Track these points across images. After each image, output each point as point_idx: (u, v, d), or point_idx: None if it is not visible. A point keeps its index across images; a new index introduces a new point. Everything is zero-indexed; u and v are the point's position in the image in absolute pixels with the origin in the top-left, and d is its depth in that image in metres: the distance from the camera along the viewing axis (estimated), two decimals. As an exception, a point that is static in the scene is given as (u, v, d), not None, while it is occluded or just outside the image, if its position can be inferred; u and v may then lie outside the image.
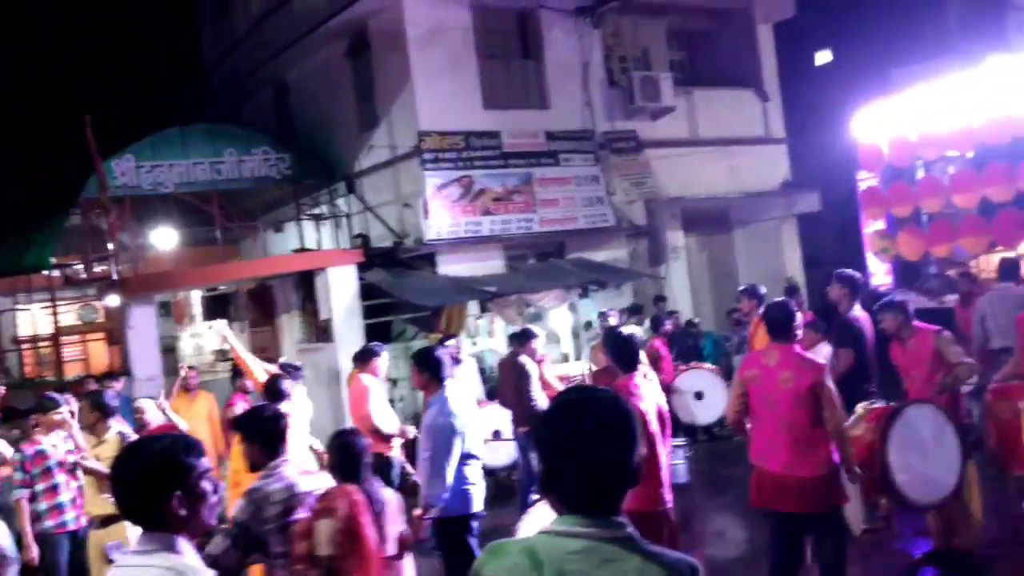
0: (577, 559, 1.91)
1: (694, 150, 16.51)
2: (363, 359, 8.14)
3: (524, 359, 8.57)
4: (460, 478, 5.68)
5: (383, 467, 7.26)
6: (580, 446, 1.98)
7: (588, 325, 14.00)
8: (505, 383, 8.91)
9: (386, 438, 7.63)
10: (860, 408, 6.14)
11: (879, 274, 11.98)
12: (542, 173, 14.99)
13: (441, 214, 14.02)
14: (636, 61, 17.01)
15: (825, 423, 5.01)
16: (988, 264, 10.93)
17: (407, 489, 7.74)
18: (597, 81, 15.86)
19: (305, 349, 14.29)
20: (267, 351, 15.45)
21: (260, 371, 7.46)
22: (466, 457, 5.75)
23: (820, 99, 20.05)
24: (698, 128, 16.89)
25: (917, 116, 10.79)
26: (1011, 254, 10.27)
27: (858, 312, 7.39)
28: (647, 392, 5.00)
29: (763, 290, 8.66)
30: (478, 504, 5.85)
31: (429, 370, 5.83)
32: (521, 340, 8.91)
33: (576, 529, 1.95)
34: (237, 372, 9.11)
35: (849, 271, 7.62)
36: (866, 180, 11.95)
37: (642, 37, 17.15)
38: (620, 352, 5.19)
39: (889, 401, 6.20)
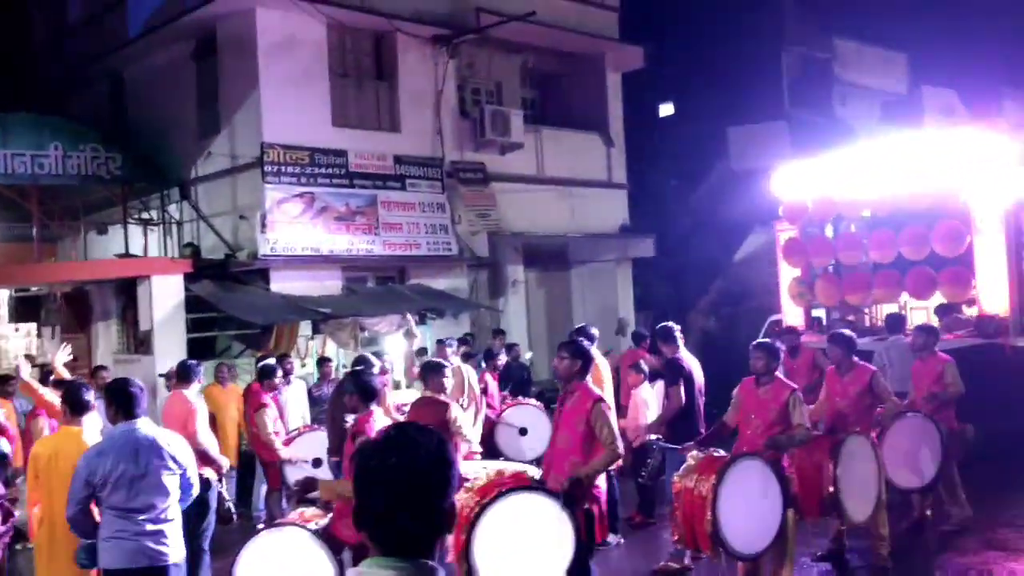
0: None
1: (539, 187, 16.81)
2: (183, 376, 7.73)
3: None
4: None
5: (202, 489, 6.87)
6: (391, 486, 1.89)
7: (423, 352, 13.87)
8: (333, 409, 8.67)
9: (210, 460, 7.24)
10: (690, 458, 6.27)
11: (794, 317, 12.56)
12: (387, 196, 14.84)
13: (279, 229, 13.61)
14: (489, 94, 17.21)
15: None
16: (879, 313, 11.88)
17: (224, 517, 7.40)
18: (449, 110, 15.90)
19: (121, 360, 13.49)
20: (78, 360, 14.50)
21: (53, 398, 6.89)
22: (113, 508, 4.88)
23: (661, 149, 20.90)
24: (544, 166, 17.21)
25: (838, 177, 11.61)
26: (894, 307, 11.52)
27: (684, 354, 7.87)
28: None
29: (594, 331, 8.83)
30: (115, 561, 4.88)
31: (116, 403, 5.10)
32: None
33: (382, 572, 1.86)
34: (44, 379, 8.47)
35: (669, 324, 8.28)
36: (785, 231, 12.70)
37: (496, 72, 17.37)
38: (360, 387, 5.27)
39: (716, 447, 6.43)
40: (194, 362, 8.02)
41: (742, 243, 20.94)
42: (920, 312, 11.68)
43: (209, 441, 7.36)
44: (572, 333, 8.45)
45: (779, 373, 6.55)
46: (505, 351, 12.48)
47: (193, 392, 7.61)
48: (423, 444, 1.95)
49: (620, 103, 18.68)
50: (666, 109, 24.56)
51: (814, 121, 21.96)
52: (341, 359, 13.27)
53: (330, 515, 5.19)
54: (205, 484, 7.06)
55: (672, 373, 8.03)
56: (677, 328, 8.31)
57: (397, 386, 13.59)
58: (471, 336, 13.86)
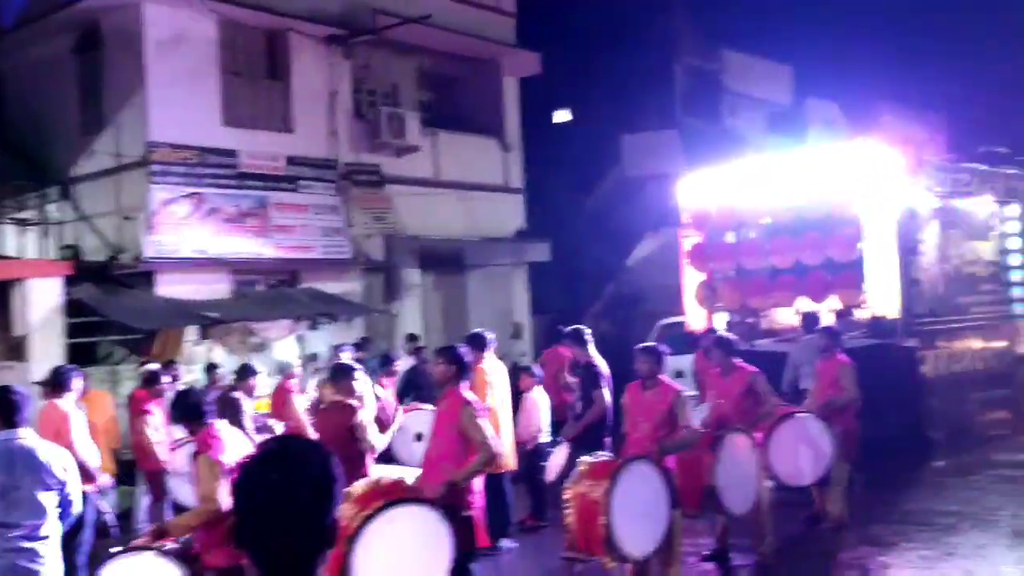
0: None
1: (435, 191, 16.76)
2: (57, 384, 7.35)
3: (239, 395, 8.16)
4: None
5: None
6: (273, 503, 1.84)
7: (313, 357, 13.63)
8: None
9: (86, 472, 6.90)
10: (581, 463, 6.32)
11: (699, 320, 12.90)
12: (279, 198, 14.55)
13: (165, 231, 13.18)
14: (385, 96, 17.06)
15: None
16: (779, 316, 12.39)
17: (101, 530, 7.15)
18: (344, 111, 15.71)
19: (-6, 366, 12.81)
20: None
21: None
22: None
23: (557, 155, 21.11)
24: (441, 170, 17.16)
25: (740, 187, 12.11)
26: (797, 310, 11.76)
27: (597, 357, 8.17)
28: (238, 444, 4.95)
29: (490, 335, 8.84)
30: None
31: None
32: (241, 376, 8.57)
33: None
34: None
35: (580, 327, 8.46)
36: (689, 238, 13.08)
37: (393, 74, 17.25)
38: (180, 408, 5.19)
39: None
40: (70, 368, 7.66)
41: (635, 248, 21.35)
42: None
43: (86, 452, 7.03)
44: (467, 338, 8.44)
45: (664, 376, 6.61)
46: (415, 356, 12.34)
47: (68, 400, 7.24)
48: (306, 459, 1.91)
49: (517, 108, 18.80)
50: (562, 115, 24.83)
51: (704, 130, 22.57)
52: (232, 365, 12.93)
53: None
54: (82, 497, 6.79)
55: (592, 377, 8.03)
56: (588, 331, 8.38)
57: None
58: (367, 340, 13.69)
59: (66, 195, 14.72)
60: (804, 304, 11.55)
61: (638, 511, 6.02)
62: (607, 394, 7.99)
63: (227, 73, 14.43)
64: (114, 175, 13.94)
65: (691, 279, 13.03)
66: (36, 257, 14.24)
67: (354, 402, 6.48)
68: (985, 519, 8.23)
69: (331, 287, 14.78)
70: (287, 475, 1.87)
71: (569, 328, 8.58)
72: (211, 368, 11.44)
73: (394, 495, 5.19)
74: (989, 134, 17.89)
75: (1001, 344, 12.41)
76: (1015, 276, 12.66)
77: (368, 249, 15.76)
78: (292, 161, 14.82)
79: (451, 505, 5.29)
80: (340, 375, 6.67)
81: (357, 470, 6.02)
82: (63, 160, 14.77)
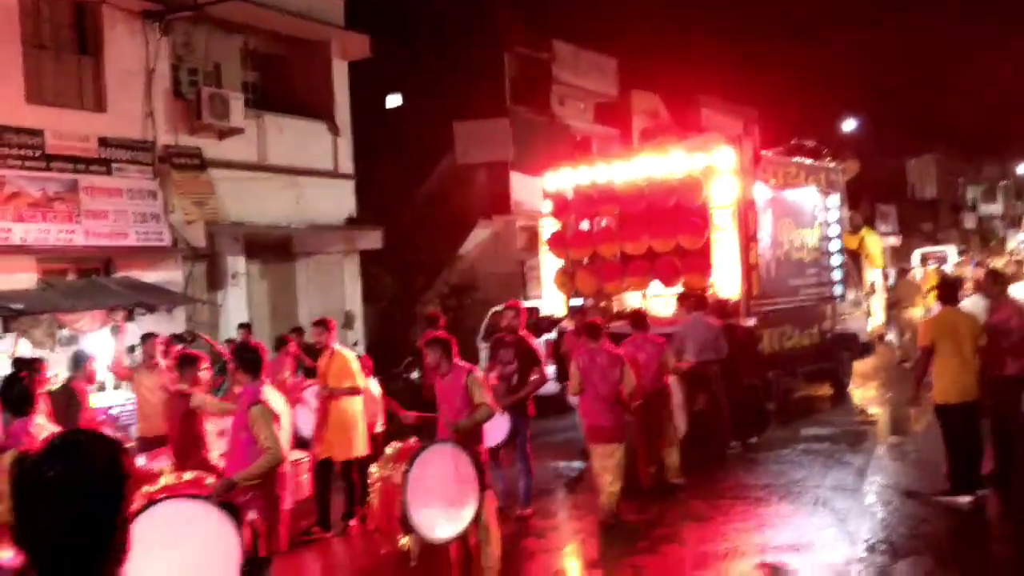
0: None
1: (261, 175, 16.23)
2: None
3: (78, 385, 7.71)
4: None
5: None
6: (54, 500, 1.72)
7: (132, 349, 12.95)
8: (57, 411, 7.90)
9: None
10: (390, 448, 6.42)
11: (556, 305, 13.45)
12: (90, 181, 13.68)
13: (-40, 216, 12.16)
14: (207, 76, 16.35)
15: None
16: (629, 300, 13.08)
17: None
18: (162, 91, 14.94)
19: None
20: None
21: None
22: None
23: (389, 141, 20.92)
24: (267, 154, 16.63)
25: (595, 178, 12.80)
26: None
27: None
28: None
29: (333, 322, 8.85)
30: None
31: None
32: (76, 364, 8.02)
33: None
34: None
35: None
36: (548, 226, 13.53)
37: (215, 52, 16.55)
38: (16, 396, 5.08)
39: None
40: None
41: (467, 236, 21.49)
42: (659, 300, 13.00)
43: None
44: (290, 331, 8.31)
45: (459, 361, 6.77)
46: None
47: None
48: (92, 453, 1.79)
49: (347, 92, 18.44)
50: (394, 100, 24.62)
51: (534, 119, 22.94)
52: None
53: None
54: None
55: (530, 354, 8.75)
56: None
57: (103, 388, 12.64)
58: (190, 334, 13.12)
59: None
60: (655, 288, 12.38)
61: (439, 494, 6.10)
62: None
63: (30, 46, 13.43)
64: (-101, 154, 12.72)
65: (549, 265, 13.55)
66: None
67: (196, 390, 6.56)
68: (791, 491, 8.80)
69: (149, 276, 14.05)
70: (71, 470, 1.75)
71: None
72: (18, 363, 10.68)
73: (177, 493, 5.11)
74: (799, 127, 19.15)
75: (824, 322, 13.69)
76: (834, 260, 13.92)
77: (189, 236, 15.07)
78: (105, 142, 13.97)
79: (230, 506, 5.10)
80: (188, 364, 6.80)
81: (197, 452, 6.49)
82: None
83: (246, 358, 5.65)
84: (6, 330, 12.00)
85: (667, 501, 8.71)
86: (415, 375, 14.33)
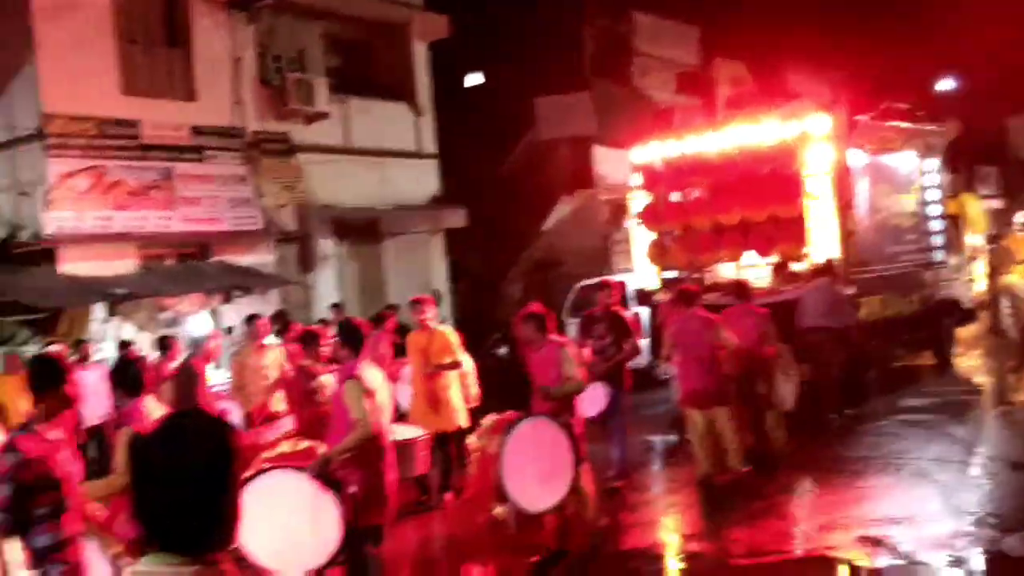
0: None
1: (346, 158, 16.48)
2: None
3: (197, 364, 8.01)
4: None
5: None
6: (166, 478, 1.78)
7: (229, 331, 13.36)
8: (178, 390, 8.26)
9: None
10: (486, 420, 6.50)
11: (649, 278, 13.47)
12: (184, 169, 14.12)
13: (66, 206, 12.68)
14: (291, 62, 16.62)
15: None
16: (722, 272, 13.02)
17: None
18: (249, 78, 15.28)
19: None
20: None
21: None
22: None
23: (470, 119, 20.95)
24: (352, 137, 16.87)
25: (688, 149, 12.65)
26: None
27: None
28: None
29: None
30: None
31: None
32: (196, 344, 8.34)
33: (162, 569, 1.76)
34: None
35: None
36: (640, 199, 13.44)
37: (298, 39, 16.82)
38: (129, 378, 5.18)
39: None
40: None
41: (551, 212, 21.43)
42: (751, 270, 12.85)
43: None
44: (386, 307, 8.44)
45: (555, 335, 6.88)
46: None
47: None
48: (198, 434, 1.84)
49: (427, 72, 18.56)
50: (474, 79, 24.64)
51: (615, 92, 22.69)
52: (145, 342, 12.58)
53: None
54: None
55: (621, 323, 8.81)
56: None
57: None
58: (283, 313, 13.45)
59: (-44, 171, 14.01)
60: (749, 259, 12.25)
61: (535, 465, 6.17)
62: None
63: (123, 41, 13.87)
64: (8, 149, 13.32)
65: (640, 239, 13.51)
66: (-74, 237, 13.55)
67: (319, 367, 6.54)
68: (891, 463, 8.57)
69: (243, 259, 14.46)
70: (182, 450, 1.81)
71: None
72: (123, 345, 11.14)
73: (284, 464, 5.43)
74: (892, 90, 18.48)
75: (924, 289, 13.33)
76: (934, 226, 13.54)
77: (280, 220, 15.43)
78: (196, 131, 14.38)
79: (329, 480, 5.27)
80: (312, 341, 6.94)
81: (318, 429, 6.41)
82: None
83: (349, 335, 5.73)
84: (111, 314, 12.52)
85: (765, 473, 8.59)
86: (503, 351, 14.42)
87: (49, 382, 4.20)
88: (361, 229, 17.22)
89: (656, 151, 13.07)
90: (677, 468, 9.05)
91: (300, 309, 14.95)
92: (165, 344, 9.86)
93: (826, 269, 10.87)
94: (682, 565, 6.69)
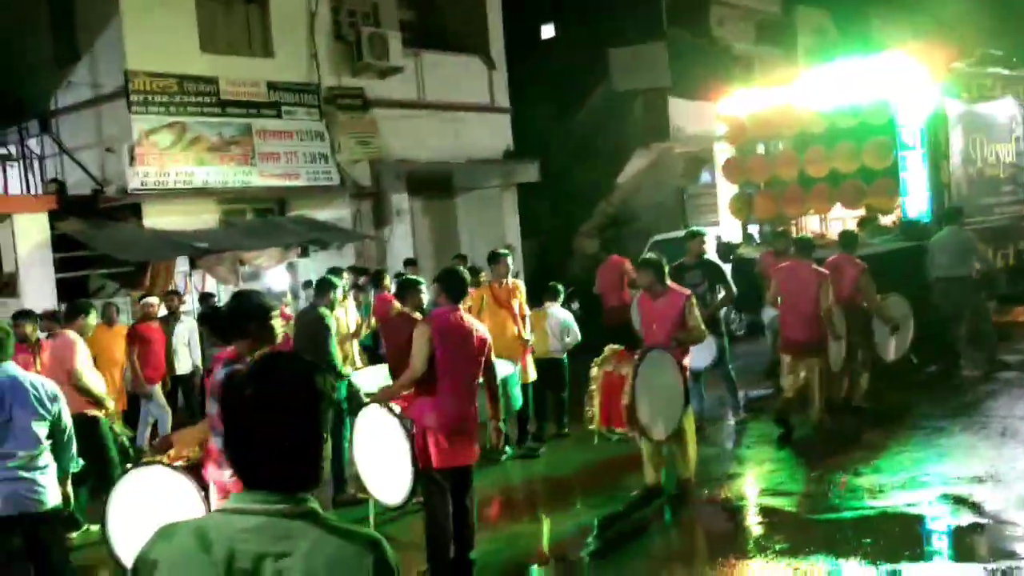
0: (248, 537, 1.77)
1: (420, 113, 16.50)
2: (71, 315, 7.57)
3: (323, 311, 8.09)
4: None
5: (91, 428, 6.89)
6: (257, 416, 1.82)
7: (308, 284, 13.59)
8: (300, 337, 8.45)
9: (96, 399, 7.06)
10: (607, 350, 6.96)
11: (733, 232, 13.46)
12: (263, 125, 14.33)
13: (149, 161, 13.00)
14: (365, 17, 16.65)
15: None
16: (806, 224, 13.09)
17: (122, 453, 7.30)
18: (324, 33, 15.36)
19: (-16, 304, 12.76)
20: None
21: None
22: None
23: (543, 72, 20.74)
24: (425, 91, 16.88)
25: (774, 100, 12.48)
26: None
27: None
28: None
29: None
30: None
31: None
32: (321, 290, 8.42)
33: (252, 506, 1.81)
34: None
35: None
36: (724, 151, 13.43)
37: (372, -7, 16.82)
38: (215, 323, 5.62)
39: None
40: (83, 301, 7.91)
41: (625, 165, 21.18)
42: (837, 223, 12.85)
43: (93, 380, 7.15)
44: (454, 256, 8.54)
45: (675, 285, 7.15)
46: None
47: (78, 331, 7.36)
48: (286, 373, 1.88)
49: (501, 25, 18.40)
50: (547, 31, 24.36)
51: (692, 42, 22.18)
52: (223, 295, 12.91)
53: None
54: (92, 422, 6.99)
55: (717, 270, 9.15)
56: None
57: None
58: (359, 268, 13.64)
59: (46, 129, 14.45)
60: (837, 212, 12.16)
61: (656, 395, 6.58)
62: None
63: (202, -1, 14.07)
64: (93, 106, 13.69)
65: (725, 191, 13.41)
66: (19, 193, 14.05)
67: (418, 316, 6.78)
68: (977, 420, 8.35)
69: (320, 214, 14.67)
70: (263, 389, 1.85)
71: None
72: (205, 298, 11.45)
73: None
74: (988, 35, 17.68)
75: (1021, 242, 12.87)
76: None
77: (355, 175, 15.59)
78: (273, 87, 14.55)
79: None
80: (411, 289, 7.03)
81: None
82: (40, 93, 14.46)
83: (451, 283, 5.79)
84: (193, 267, 12.86)
85: (847, 425, 8.48)
86: (576, 306, 14.38)
87: (247, 319, 4.47)
88: (434, 184, 17.29)
89: (741, 102, 12.85)
90: (757, 422, 8.99)
91: (376, 263, 15.13)
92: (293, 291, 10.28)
93: (955, 214, 10.60)
94: (758, 519, 6.65)
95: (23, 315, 7.90)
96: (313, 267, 13.75)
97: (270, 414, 1.83)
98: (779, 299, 8.55)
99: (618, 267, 11.29)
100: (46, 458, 4.82)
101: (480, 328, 5.70)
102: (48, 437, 4.81)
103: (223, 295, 12.84)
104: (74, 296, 11.84)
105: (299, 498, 1.84)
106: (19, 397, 4.72)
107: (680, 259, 8.92)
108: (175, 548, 1.80)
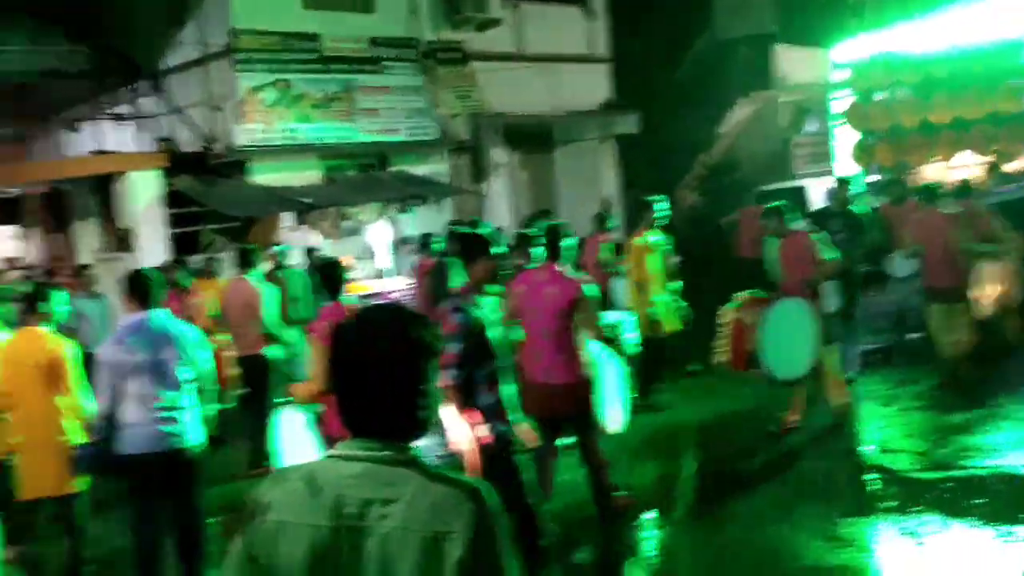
0: (355, 483, 1.81)
1: (519, 65, 16.38)
2: (244, 262, 8.17)
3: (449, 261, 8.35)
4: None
5: (264, 369, 7.62)
6: (360, 367, 1.85)
7: (404, 241, 13.77)
8: (420, 288, 8.75)
9: (275, 339, 7.84)
10: (741, 296, 7.42)
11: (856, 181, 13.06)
12: (364, 81, 14.47)
13: (255, 119, 13.30)
14: (464, -31, 16.54)
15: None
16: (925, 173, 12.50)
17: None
18: (423, -13, 15.35)
19: (104, 258, 13.38)
20: (63, 260, 14.43)
21: None
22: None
23: (644, 20, 20.26)
24: (524, 43, 16.73)
25: (898, 46, 12.35)
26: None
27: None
28: None
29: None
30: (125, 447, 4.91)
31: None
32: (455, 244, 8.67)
33: (357, 453, 1.85)
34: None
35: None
36: (845, 97, 13.40)
37: (470, -55, 16.67)
38: (327, 280, 5.74)
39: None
40: (253, 247, 8.44)
41: (727, 116, 20.63)
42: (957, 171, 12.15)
43: (274, 322, 7.83)
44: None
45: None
46: None
47: (255, 277, 7.98)
48: (386, 324, 1.89)
49: (600, -27, 18.04)
50: (648, -22, 23.75)
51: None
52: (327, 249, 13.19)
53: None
54: (267, 365, 7.69)
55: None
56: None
57: (379, 275, 13.57)
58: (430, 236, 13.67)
59: (157, 88, 14.92)
60: (962, 159, 11.79)
61: (785, 341, 6.94)
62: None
63: (305, -46, 14.20)
64: (201, 65, 14.03)
65: (845, 139, 13.32)
66: (134, 151, 14.60)
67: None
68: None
69: (419, 169, 14.79)
70: (370, 339, 1.87)
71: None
72: (310, 252, 11.73)
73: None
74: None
75: None
76: None
77: (454, 129, 15.63)
78: (374, 42, 14.65)
79: None
80: (526, 244, 7.16)
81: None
82: (151, 53, 14.90)
83: (553, 240, 5.77)
84: (298, 223, 13.17)
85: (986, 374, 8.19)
86: (676, 259, 14.16)
87: (476, 254, 4.63)
88: (532, 137, 17.19)
89: (860, 46, 12.38)
90: (879, 375, 8.85)
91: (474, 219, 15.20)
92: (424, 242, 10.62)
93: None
94: (869, 476, 6.48)
95: (174, 264, 8.40)
96: (412, 222, 13.92)
97: (373, 363, 1.85)
98: (915, 250, 8.43)
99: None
100: (190, 400, 5.05)
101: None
102: (192, 381, 5.04)
103: (329, 250, 13.14)
104: (185, 251, 12.30)
105: (401, 446, 1.87)
106: (169, 342, 4.94)
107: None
108: (287, 492, 1.86)
